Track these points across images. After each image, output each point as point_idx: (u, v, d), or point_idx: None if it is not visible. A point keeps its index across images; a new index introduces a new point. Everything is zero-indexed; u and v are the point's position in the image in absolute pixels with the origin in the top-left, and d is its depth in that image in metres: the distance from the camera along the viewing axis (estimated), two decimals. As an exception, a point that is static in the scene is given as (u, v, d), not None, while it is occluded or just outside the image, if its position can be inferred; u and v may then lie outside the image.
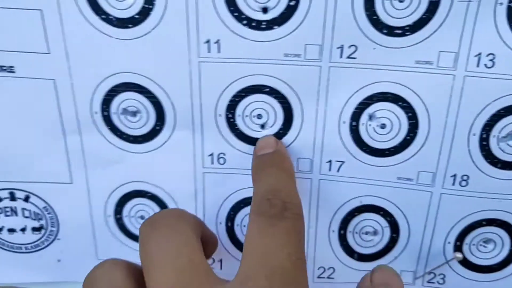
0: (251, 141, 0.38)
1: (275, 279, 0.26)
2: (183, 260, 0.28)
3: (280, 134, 0.38)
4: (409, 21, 0.33)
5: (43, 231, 0.43)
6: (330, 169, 0.38)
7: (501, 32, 0.32)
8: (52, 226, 0.43)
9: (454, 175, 0.37)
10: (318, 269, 0.42)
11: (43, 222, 0.43)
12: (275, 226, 0.29)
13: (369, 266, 0.41)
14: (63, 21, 0.35)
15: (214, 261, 0.43)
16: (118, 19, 0.35)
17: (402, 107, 0.35)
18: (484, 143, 0.35)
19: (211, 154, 0.39)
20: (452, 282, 0.40)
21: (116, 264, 0.30)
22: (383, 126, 0.36)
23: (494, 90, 0.34)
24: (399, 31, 0.33)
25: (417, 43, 0.33)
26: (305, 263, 0.28)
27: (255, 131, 0.38)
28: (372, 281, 0.29)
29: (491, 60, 0.33)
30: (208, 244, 0.31)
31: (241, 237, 0.42)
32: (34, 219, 0.43)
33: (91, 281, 0.29)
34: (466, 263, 0.40)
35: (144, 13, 0.34)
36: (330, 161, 0.38)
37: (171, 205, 0.41)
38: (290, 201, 0.31)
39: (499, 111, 0.34)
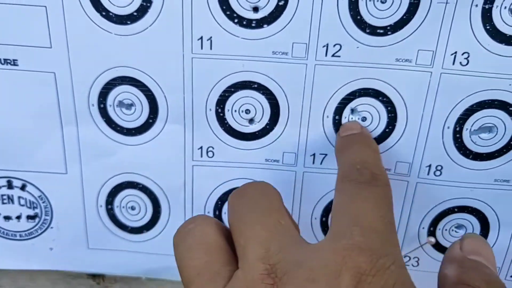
0: (239, 135, 0.38)
1: (370, 237, 0.25)
2: (273, 221, 0.27)
3: (266, 129, 0.38)
4: (391, 21, 0.33)
5: (37, 220, 0.43)
6: (313, 162, 0.38)
7: (475, 32, 0.33)
8: (46, 215, 0.42)
9: (429, 166, 0.37)
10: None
11: (37, 210, 0.42)
12: (366, 190, 0.28)
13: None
14: (65, 18, 0.35)
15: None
16: (117, 16, 0.35)
17: (382, 102, 0.36)
18: (457, 135, 0.36)
19: (201, 148, 0.39)
20: (426, 264, 0.41)
21: (207, 219, 0.29)
22: (363, 119, 0.36)
23: (468, 86, 0.34)
24: (381, 31, 0.34)
25: (398, 42, 0.34)
26: (396, 229, 0.27)
27: (243, 125, 0.38)
28: (462, 249, 0.28)
29: (466, 58, 0.33)
30: None
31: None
32: (30, 208, 0.42)
33: (184, 235, 0.29)
34: (439, 247, 0.40)
35: (142, 11, 0.35)
36: (313, 154, 0.38)
37: (161, 196, 0.41)
38: (379, 172, 0.30)
39: (472, 106, 0.35)
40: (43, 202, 0.42)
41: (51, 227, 0.43)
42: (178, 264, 0.28)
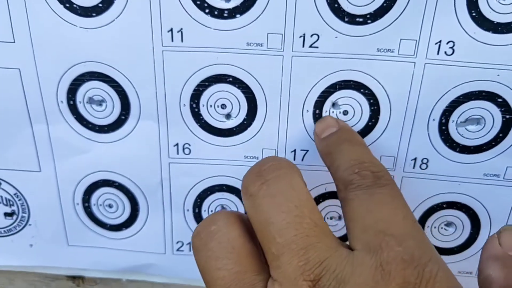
0: (216, 131, 0.36)
1: (408, 244, 0.23)
2: (307, 222, 0.24)
3: (244, 125, 0.35)
4: (370, 9, 0.30)
5: (15, 217, 0.41)
6: (294, 159, 0.36)
7: (461, 20, 0.30)
8: (23, 212, 0.41)
9: (415, 159, 0.35)
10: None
11: (14, 208, 0.41)
12: (376, 194, 0.26)
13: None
14: (27, 10, 0.33)
15: (183, 244, 0.41)
16: (81, 7, 0.32)
17: (364, 94, 0.33)
18: (443, 127, 0.34)
19: (176, 145, 0.36)
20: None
21: (230, 218, 0.26)
22: (345, 112, 0.34)
23: (453, 77, 0.32)
24: (361, 19, 0.31)
25: (378, 31, 0.31)
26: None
27: (220, 121, 0.35)
28: (502, 245, 0.25)
29: (451, 47, 0.31)
30: None
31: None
32: (6, 205, 0.41)
33: (206, 239, 0.26)
34: None
35: (108, 2, 0.32)
36: (294, 151, 0.36)
37: (138, 194, 0.39)
38: (379, 170, 0.27)
39: (458, 97, 0.32)
40: (19, 200, 0.40)
41: (29, 224, 0.41)
42: (202, 273, 0.26)
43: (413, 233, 0.24)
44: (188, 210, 0.39)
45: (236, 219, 0.26)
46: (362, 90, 0.33)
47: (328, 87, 0.33)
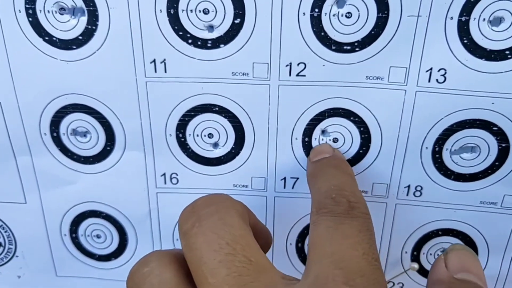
0: (203, 160, 0.34)
1: (356, 282, 0.21)
2: (240, 260, 0.22)
3: (232, 154, 0.34)
4: (358, 37, 0.29)
5: (1, 248, 0.40)
6: (285, 187, 0.34)
7: (452, 47, 0.29)
8: (10, 244, 0.39)
9: (408, 186, 0.34)
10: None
11: (0, 239, 0.39)
12: (344, 224, 0.24)
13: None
14: (6, 43, 0.31)
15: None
16: (61, 40, 0.31)
17: (354, 122, 0.32)
18: (437, 155, 0.32)
19: (164, 174, 0.35)
20: (410, 290, 0.37)
21: (163, 259, 0.24)
22: (335, 140, 0.33)
23: (446, 105, 0.30)
24: (348, 47, 0.29)
25: (367, 59, 0.30)
26: (381, 265, 0.23)
27: (207, 150, 0.34)
28: (448, 267, 0.24)
29: (442, 75, 0.29)
30: (259, 238, 0.25)
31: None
32: (-9, 237, 0.39)
33: (138, 281, 0.24)
34: (423, 272, 0.37)
35: (88, 34, 0.30)
36: (284, 178, 0.34)
37: (126, 224, 0.37)
38: (356, 201, 0.26)
39: (451, 125, 0.31)
40: (5, 232, 0.39)
41: (16, 256, 0.40)
42: None
43: (367, 272, 0.22)
44: (177, 240, 0.38)
45: (170, 259, 0.24)
46: (352, 118, 0.32)
47: (316, 115, 0.32)
